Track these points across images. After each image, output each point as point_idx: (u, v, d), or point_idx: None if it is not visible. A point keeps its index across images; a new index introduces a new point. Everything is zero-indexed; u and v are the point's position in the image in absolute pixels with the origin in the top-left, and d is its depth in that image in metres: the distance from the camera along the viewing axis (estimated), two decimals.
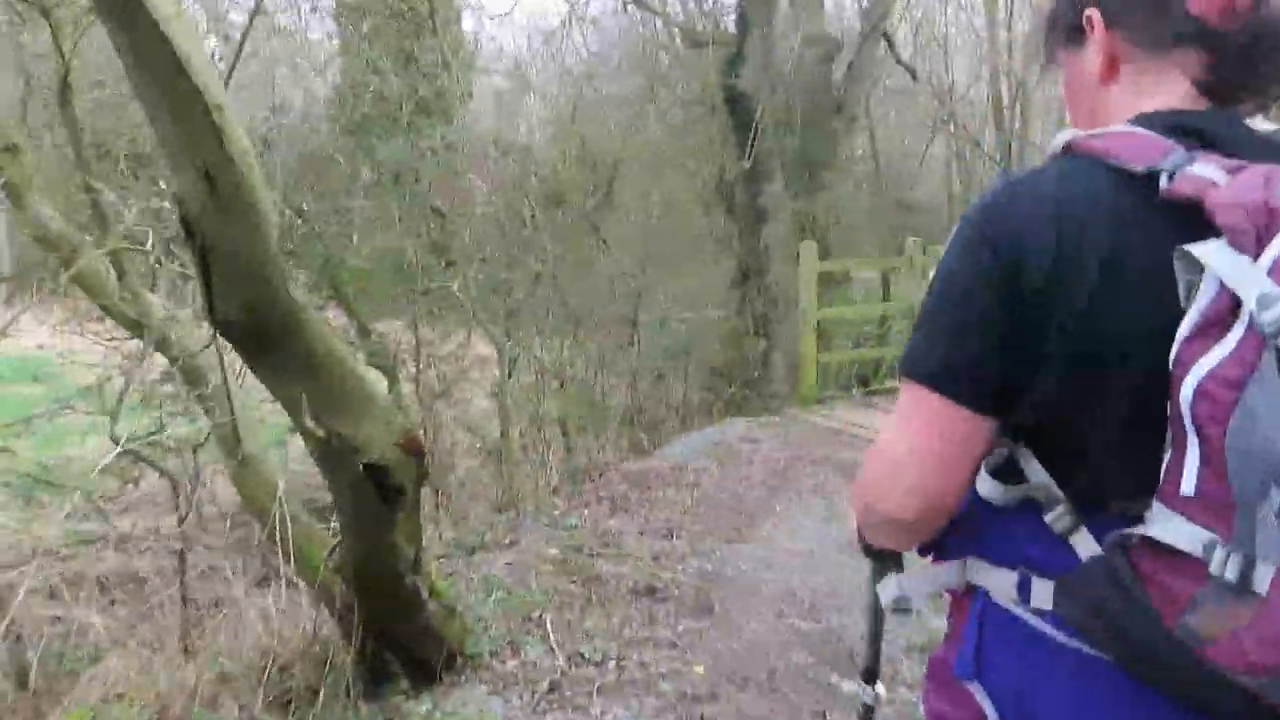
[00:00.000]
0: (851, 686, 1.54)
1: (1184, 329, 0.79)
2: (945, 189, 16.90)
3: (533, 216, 9.77)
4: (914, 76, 14.44)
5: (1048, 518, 0.94)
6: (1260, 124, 0.90)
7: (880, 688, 1.40)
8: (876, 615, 1.33)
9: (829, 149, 13.43)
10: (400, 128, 9.21)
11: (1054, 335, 0.87)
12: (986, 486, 1.00)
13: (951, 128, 15.55)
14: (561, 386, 9.29)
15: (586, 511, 6.42)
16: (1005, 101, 20.66)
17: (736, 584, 5.16)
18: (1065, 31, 1.01)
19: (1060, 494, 0.93)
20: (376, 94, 9.36)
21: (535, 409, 8.57)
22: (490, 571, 4.99)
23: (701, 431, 9.65)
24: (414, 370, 8.25)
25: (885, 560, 1.16)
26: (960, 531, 1.03)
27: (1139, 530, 0.82)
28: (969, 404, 0.92)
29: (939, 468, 0.94)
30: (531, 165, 11.03)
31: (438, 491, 7.33)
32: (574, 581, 4.93)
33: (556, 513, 6.35)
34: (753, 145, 12.95)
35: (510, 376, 7.97)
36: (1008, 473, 0.98)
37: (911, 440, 0.95)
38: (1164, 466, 0.83)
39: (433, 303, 8.85)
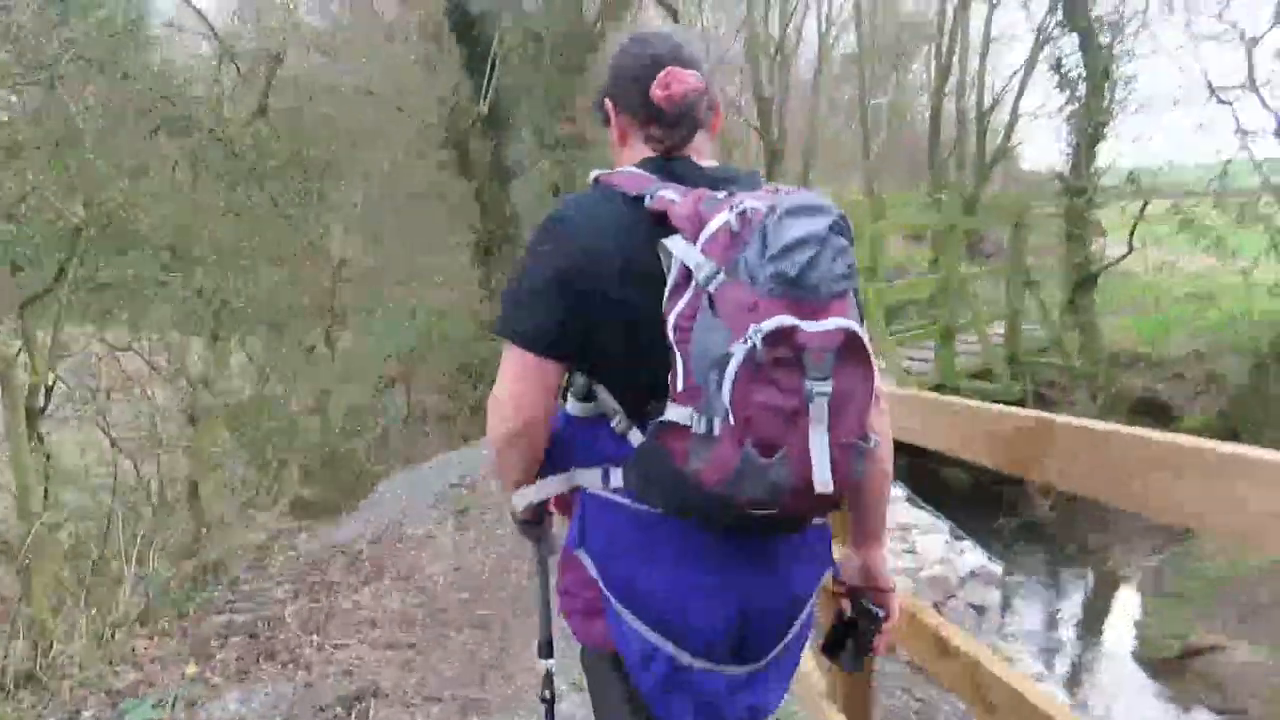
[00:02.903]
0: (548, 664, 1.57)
1: (666, 292, 1.26)
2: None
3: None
4: (674, 17, 12.33)
5: (613, 424, 1.40)
6: (705, 162, 1.45)
7: (552, 660, 1.64)
8: (544, 586, 1.66)
9: (587, 91, 10.94)
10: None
11: (595, 304, 1.33)
12: (575, 407, 1.44)
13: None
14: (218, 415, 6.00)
15: (189, 670, 3.40)
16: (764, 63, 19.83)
17: None
18: (601, 113, 1.52)
19: (618, 406, 1.39)
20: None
21: (160, 457, 5.27)
22: None
23: (432, 465, 6.82)
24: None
25: (534, 527, 1.60)
26: (561, 453, 1.46)
27: (659, 419, 1.26)
28: (539, 351, 1.36)
29: (529, 393, 1.36)
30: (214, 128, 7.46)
31: None
32: None
33: (121, 685, 3.25)
34: (489, 85, 10.17)
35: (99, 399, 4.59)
36: (587, 398, 1.43)
37: (510, 383, 1.37)
38: (669, 379, 1.26)
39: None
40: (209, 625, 3.88)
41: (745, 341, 1.14)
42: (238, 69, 8.23)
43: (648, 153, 1.43)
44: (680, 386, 1.22)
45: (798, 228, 1.18)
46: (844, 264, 1.21)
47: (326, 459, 6.50)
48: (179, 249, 5.65)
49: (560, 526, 1.53)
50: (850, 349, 1.19)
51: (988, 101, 18.83)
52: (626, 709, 1.43)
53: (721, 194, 1.29)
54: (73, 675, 3.26)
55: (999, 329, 10.01)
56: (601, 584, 1.38)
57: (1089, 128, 9.34)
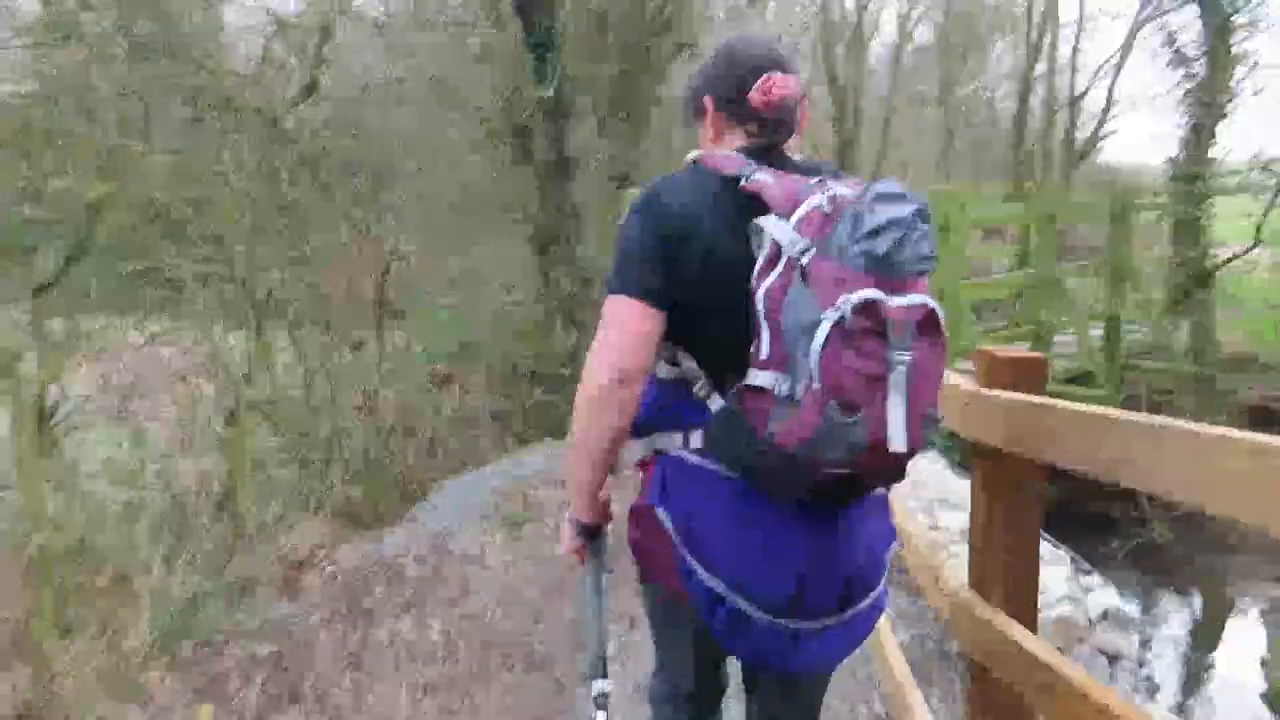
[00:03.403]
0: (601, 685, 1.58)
1: (757, 265, 1.37)
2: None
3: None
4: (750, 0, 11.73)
5: (695, 389, 1.50)
6: (794, 155, 1.57)
7: (609, 683, 1.68)
8: (598, 604, 1.72)
9: (654, 80, 10.41)
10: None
11: (689, 268, 1.44)
12: (661, 369, 1.54)
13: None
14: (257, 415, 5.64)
15: (203, 713, 2.96)
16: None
17: None
18: (694, 110, 1.65)
19: (700, 372, 1.50)
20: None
21: (196, 458, 4.91)
22: None
23: (481, 472, 6.37)
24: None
25: (594, 537, 1.67)
26: (646, 417, 1.53)
27: (743, 383, 1.36)
28: (650, 302, 1.45)
29: (633, 342, 1.44)
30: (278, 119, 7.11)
31: None
32: None
33: None
34: (554, 70, 9.70)
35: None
36: (672, 364, 1.54)
37: (615, 332, 1.45)
38: (752, 349, 1.37)
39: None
40: (232, 656, 3.46)
41: (836, 310, 1.23)
42: (285, 43, 7.86)
43: (741, 143, 1.55)
44: (765, 354, 1.32)
45: (886, 212, 1.27)
46: (927, 247, 1.30)
47: (374, 462, 6.09)
48: (221, 236, 5.28)
49: (613, 538, 1.62)
50: (929, 324, 1.29)
51: (1080, 86, 17.68)
52: (691, 643, 1.62)
53: (812, 181, 1.40)
54: (73, 716, 2.85)
55: (1094, 331, 9.21)
56: (676, 539, 1.45)
57: (1210, 106, 8.44)
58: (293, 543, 4.74)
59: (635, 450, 1.56)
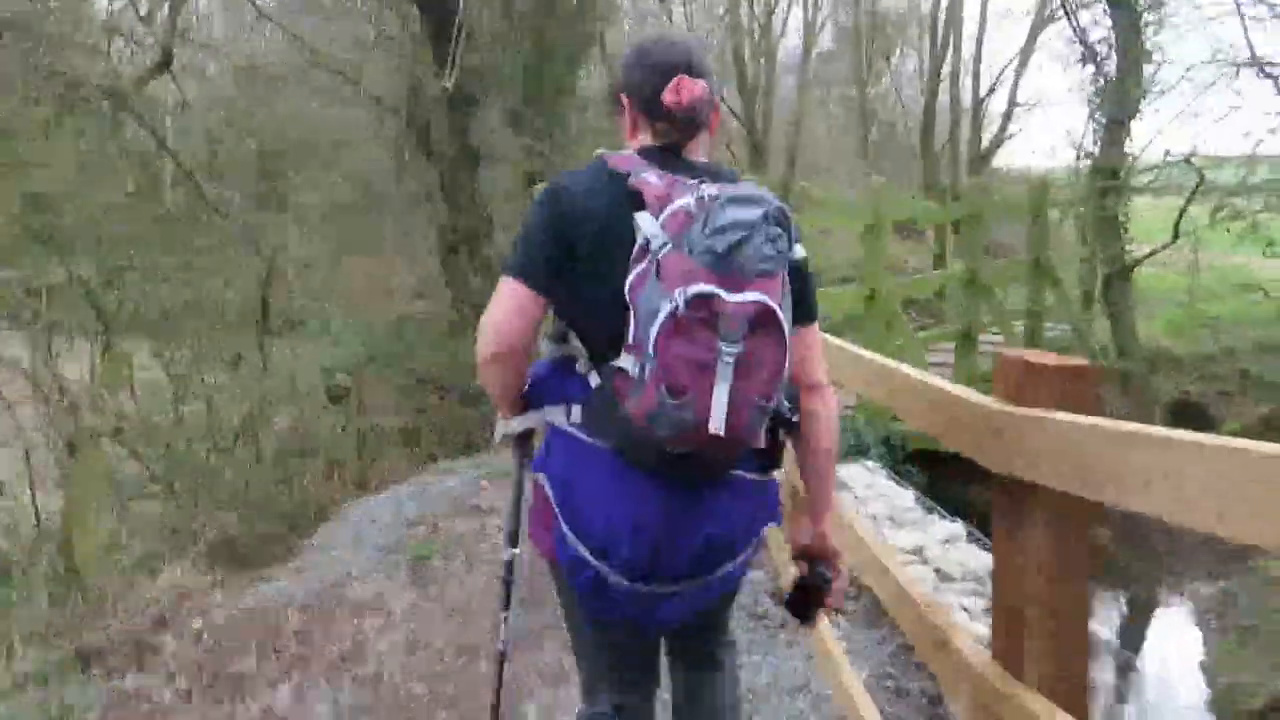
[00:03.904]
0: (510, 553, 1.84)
1: (632, 257, 1.45)
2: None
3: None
4: None
5: (577, 366, 1.61)
6: (698, 157, 1.64)
7: (520, 549, 1.88)
8: (518, 491, 1.88)
9: (566, 71, 9.86)
10: None
11: (579, 255, 1.54)
12: (548, 346, 1.69)
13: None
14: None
15: None
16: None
17: None
18: (615, 104, 1.72)
19: (584, 350, 1.60)
20: None
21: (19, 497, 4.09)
22: None
23: (384, 497, 5.68)
24: None
25: (521, 442, 1.82)
26: (537, 394, 1.69)
27: (612, 364, 1.47)
28: (529, 284, 1.56)
29: (513, 321, 1.56)
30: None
31: None
32: None
33: None
34: (454, 57, 9.04)
35: None
36: (561, 342, 1.66)
37: (499, 309, 1.56)
38: (625, 334, 1.45)
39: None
40: None
41: (672, 301, 1.34)
42: (136, 9, 6.94)
43: (651, 143, 1.63)
44: (630, 339, 1.43)
45: (734, 214, 1.37)
46: (773, 249, 1.38)
47: (256, 491, 5.33)
48: (45, 231, 4.45)
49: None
50: (764, 321, 1.37)
51: (984, 89, 17.95)
52: (574, 606, 1.73)
53: (692, 182, 1.49)
54: None
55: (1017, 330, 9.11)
56: (554, 504, 1.58)
57: (1123, 102, 8.41)
58: (152, 594, 3.98)
59: (530, 419, 1.71)
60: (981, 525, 5.61)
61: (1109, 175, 8.54)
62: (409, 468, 7.76)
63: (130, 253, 5.14)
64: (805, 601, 1.71)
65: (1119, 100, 8.37)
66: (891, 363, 2.31)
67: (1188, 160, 8.23)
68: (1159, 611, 7.76)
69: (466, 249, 9.57)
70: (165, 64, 6.66)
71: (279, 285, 7.10)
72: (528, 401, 1.70)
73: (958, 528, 4.59)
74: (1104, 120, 8.64)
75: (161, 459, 5.13)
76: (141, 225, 5.77)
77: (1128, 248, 8.70)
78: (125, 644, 3.55)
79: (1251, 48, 8.53)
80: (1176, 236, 8.67)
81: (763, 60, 18.46)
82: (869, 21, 19.25)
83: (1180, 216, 8.50)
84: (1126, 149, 8.61)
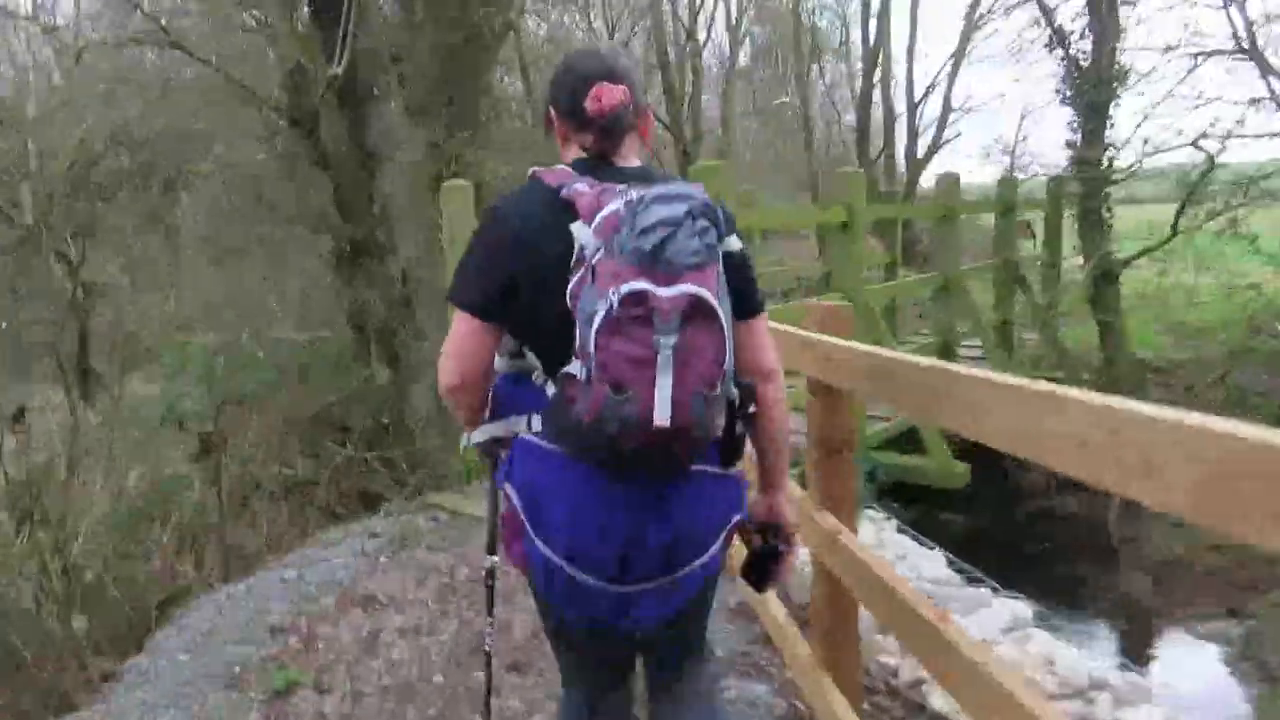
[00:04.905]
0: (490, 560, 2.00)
1: (571, 267, 1.48)
2: None
3: None
4: None
5: (534, 378, 1.66)
6: (629, 163, 1.67)
7: (498, 557, 1.92)
8: (494, 499, 1.86)
9: (480, 59, 8.57)
10: None
11: (522, 278, 1.57)
12: (501, 363, 1.71)
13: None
14: None
15: None
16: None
17: None
18: (545, 120, 1.76)
19: (538, 363, 1.65)
20: None
21: None
22: None
23: (257, 580, 4.26)
24: None
25: (492, 449, 1.76)
26: (500, 404, 1.72)
27: (562, 372, 1.49)
28: (480, 316, 1.62)
29: (470, 350, 1.62)
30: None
31: None
32: None
33: None
34: (345, 40, 7.67)
35: None
36: (516, 356, 1.71)
37: (456, 341, 1.62)
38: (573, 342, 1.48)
39: None
40: None
41: (605, 301, 1.37)
42: None
43: (581, 153, 1.66)
44: (577, 345, 1.44)
45: (658, 212, 1.39)
46: (700, 243, 1.40)
47: (62, 589, 3.84)
48: None
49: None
50: (698, 312, 1.38)
51: (918, 94, 17.36)
52: (548, 612, 1.77)
53: (622, 187, 1.50)
54: None
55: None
56: (520, 513, 1.59)
57: (1099, 85, 7.60)
58: None
59: (492, 429, 1.72)
60: (960, 555, 4.62)
61: (1094, 165, 7.71)
62: (294, 532, 6.30)
63: None
64: (759, 570, 1.81)
65: (1095, 83, 7.56)
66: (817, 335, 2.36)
67: (1195, 144, 7.47)
68: (1177, 650, 6.88)
69: (364, 263, 8.15)
70: None
71: (111, 313, 5.58)
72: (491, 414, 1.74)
73: (1021, 607, 3.46)
74: (1081, 109, 7.82)
75: None
76: None
77: (1114, 247, 7.88)
78: None
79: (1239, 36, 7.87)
80: (1175, 232, 7.90)
81: (688, 65, 17.53)
82: (793, 26, 18.58)
83: (1181, 210, 7.72)
84: (1107, 139, 7.81)
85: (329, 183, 8.17)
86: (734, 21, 19.49)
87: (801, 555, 2.64)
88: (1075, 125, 7.97)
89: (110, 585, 4.49)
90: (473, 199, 5.98)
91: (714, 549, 1.63)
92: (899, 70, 17.61)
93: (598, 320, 1.36)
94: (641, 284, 1.35)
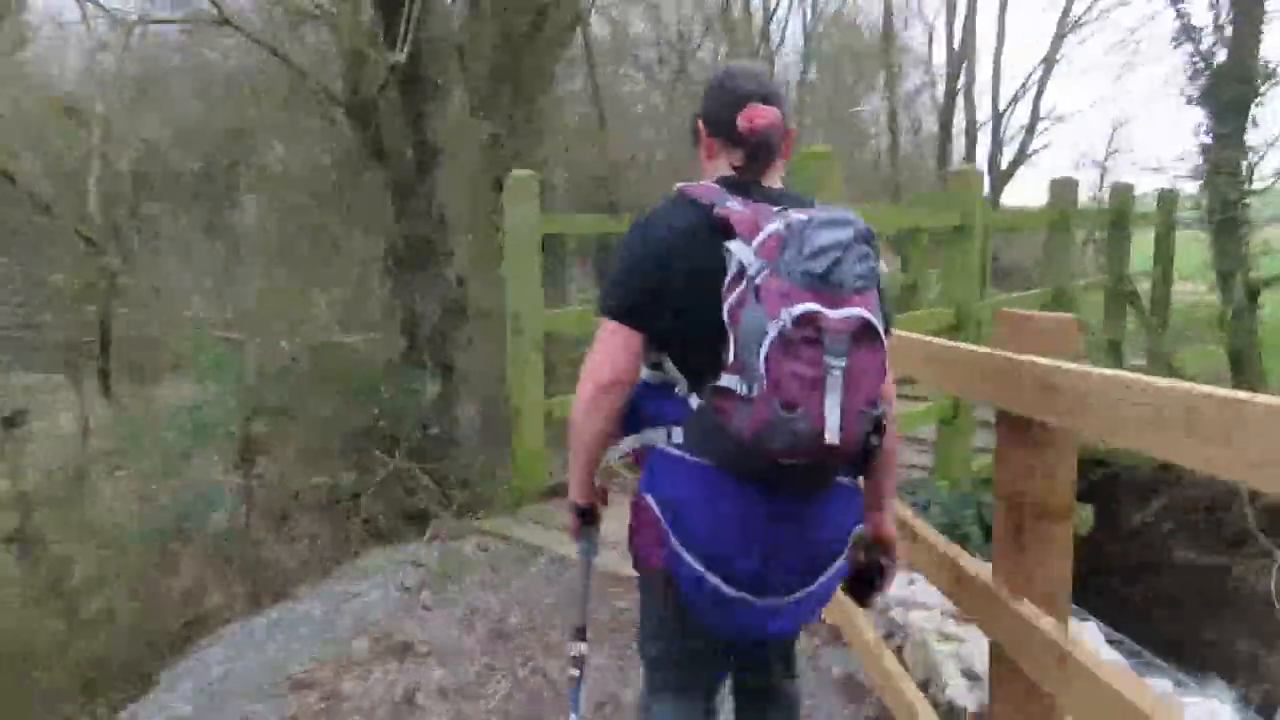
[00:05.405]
0: (579, 648, 1.94)
1: (725, 283, 1.53)
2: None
3: None
4: None
5: (676, 390, 1.69)
6: (773, 183, 1.74)
7: (585, 645, 2.00)
8: (586, 579, 2.00)
9: (547, 51, 8.06)
10: None
11: (670, 290, 1.64)
12: (646, 374, 1.75)
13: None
14: None
15: None
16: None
17: None
18: (693, 134, 1.83)
19: (681, 375, 1.68)
20: None
21: None
22: None
23: (277, 617, 3.72)
24: None
25: (587, 517, 1.92)
26: (636, 416, 1.75)
27: (714, 385, 1.52)
28: (631, 323, 1.69)
29: (618, 355, 1.68)
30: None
31: None
32: None
33: None
34: (410, 23, 7.21)
35: None
36: (657, 368, 1.74)
37: (604, 347, 1.69)
38: (723, 356, 1.52)
39: None
40: None
41: (778, 321, 1.42)
42: None
43: (728, 170, 1.73)
44: (730, 360, 1.50)
45: (827, 236, 1.45)
46: (865, 266, 1.47)
47: (41, 630, 3.32)
48: None
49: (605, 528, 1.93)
50: (865, 334, 1.44)
51: (1003, 103, 16.40)
52: (672, 616, 1.79)
53: (776, 209, 1.58)
54: None
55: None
56: (663, 523, 1.62)
57: (1244, 81, 6.74)
58: None
59: (629, 442, 1.77)
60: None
61: (1230, 173, 6.83)
62: (332, 551, 5.78)
63: None
64: (863, 585, 1.84)
65: (1240, 78, 6.70)
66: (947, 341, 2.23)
67: None
68: None
69: (418, 265, 7.65)
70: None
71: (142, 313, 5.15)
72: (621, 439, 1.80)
73: (1219, 708, 2.69)
74: (1218, 108, 6.95)
75: None
76: None
77: (1254, 265, 6.97)
78: None
79: None
80: None
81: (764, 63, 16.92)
82: (874, 32, 17.78)
83: None
84: (1250, 141, 6.93)
85: (386, 180, 7.71)
86: (807, 29, 18.81)
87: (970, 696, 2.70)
88: (1207, 128, 7.11)
89: (122, 611, 3.98)
90: (538, 195, 5.43)
91: (843, 559, 1.69)
92: (983, 77, 16.72)
93: (769, 339, 1.42)
94: (814, 305, 1.41)
